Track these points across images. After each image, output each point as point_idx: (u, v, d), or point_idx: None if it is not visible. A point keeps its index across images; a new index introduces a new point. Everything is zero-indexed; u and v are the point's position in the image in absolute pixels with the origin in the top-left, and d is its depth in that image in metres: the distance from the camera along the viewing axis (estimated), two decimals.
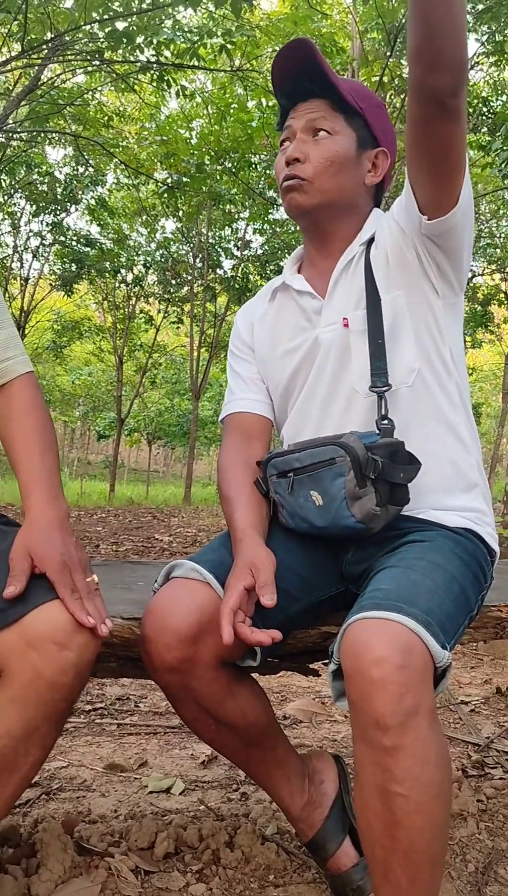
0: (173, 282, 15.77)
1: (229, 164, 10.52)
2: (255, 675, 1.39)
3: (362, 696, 1.00)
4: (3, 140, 8.68)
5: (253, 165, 10.47)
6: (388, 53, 9.62)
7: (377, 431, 1.30)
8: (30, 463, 1.24)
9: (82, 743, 2.21)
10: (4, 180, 11.31)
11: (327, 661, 1.52)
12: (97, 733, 2.28)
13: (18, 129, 8.35)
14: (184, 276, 15.59)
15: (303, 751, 2.21)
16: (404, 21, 8.91)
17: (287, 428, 1.49)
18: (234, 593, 1.16)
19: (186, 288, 15.96)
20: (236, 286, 14.75)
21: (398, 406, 1.34)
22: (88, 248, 13.57)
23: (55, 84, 8.17)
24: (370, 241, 1.41)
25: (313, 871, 1.52)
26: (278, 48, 10.34)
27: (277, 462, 1.35)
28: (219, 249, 15.00)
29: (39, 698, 1.05)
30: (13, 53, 8.01)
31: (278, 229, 13.87)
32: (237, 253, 15.14)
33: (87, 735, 2.26)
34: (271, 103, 9.69)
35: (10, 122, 7.72)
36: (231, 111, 9.72)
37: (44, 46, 6.66)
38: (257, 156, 10.40)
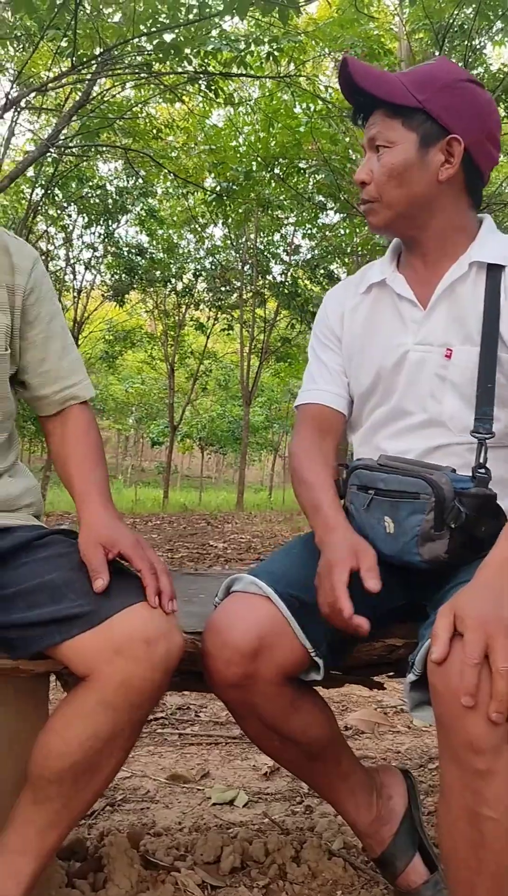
0: (223, 289, 15.86)
1: (278, 171, 10.52)
2: (317, 687, 1.36)
3: (454, 716, 0.97)
4: (56, 156, 8.85)
5: (302, 171, 10.44)
6: (436, 53, 9.52)
7: (472, 478, 1.24)
8: (83, 476, 1.30)
9: (144, 753, 2.21)
10: (58, 195, 11.53)
11: (391, 673, 1.49)
12: (159, 743, 2.29)
13: (70, 145, 8.49)
14: (233, 282, 15.66)
15: (367, 762, 2.18)
16: (451, 21, 8.82)
17: (361, 435, 1.46)
18: (344, 571, 1.14)
19: (235, 294, 16.03)
20: (286, 291, 14.74)
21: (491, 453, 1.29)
22: (140, 258, 13.74)
23: (105, 98, 8.30)
24: (492, 267, 1.32)
25: (381, 887, 1.49)
26: (324, 52, 10.32)
27: (362, 474, 1.31)
28: (268, 255, 15.02)
29: (127, 701, 1.07)
30: (63, 69, 8.17)
31: (327, 233, 13.82)
32: (286, 258, 15.14)
33: (148, 745, 2.27)
34: (318, 107, 9.67)
35: (62, 137, 7.86)
36: (279, 117, 9.71)
37: (93, 61, 6.76)
38: (306, 161, 10.37)
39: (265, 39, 7.20)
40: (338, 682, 1.45)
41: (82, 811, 1.14)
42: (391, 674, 1.48)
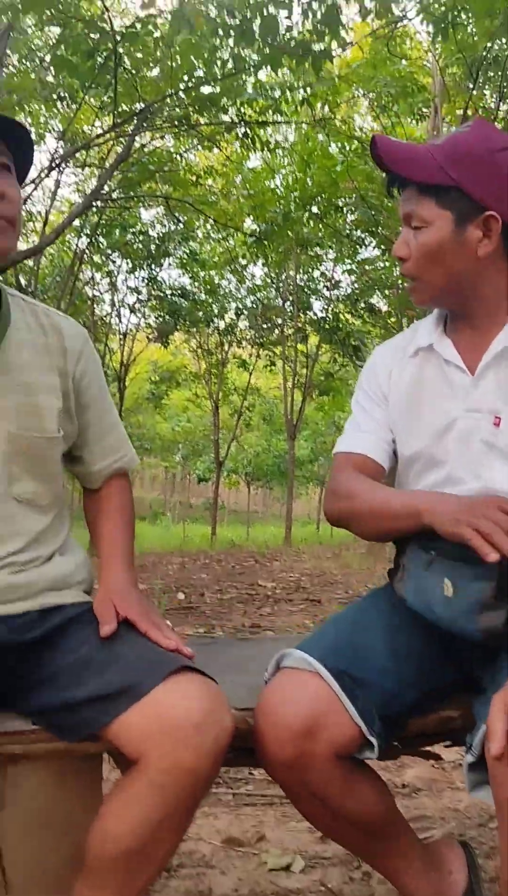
0: (264, 326, 16.01)
1: (315, 209, 10.65)
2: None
3: None
4: (100, 206, 9.11)
5: (339, 209, 10.56)
6: (470, 86, 9.57)
7: None
8: (110, 540, 1.42)
9: (199, 814, 2.19)
10: (102, 243, 11.83)
11: (448, 742, 1.47)
12: (213, 804, 2.28)
13: (113, 197, 8.74)
14: (275, 319, 15.80)
15: (425, 822, 2.14)
16: (485, 53, 8.87)
17: None
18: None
19: (277, 331, 16.16)
20: (327, 326, 14.82)
21: None
22: (183, 300, 13.98)
23: (145, 150, 8.54)
24: None
25: None
26: (358, 92, 10.42)
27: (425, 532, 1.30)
28: (308, 291, 15.13)
29: (177, 785, 1.06)
30: (105, 123, 8.46)
31: (367, 267, 13.89)
32: (327, 293, 15.24)
33: (203, 806, 2.25)
34: (353, 147, 9.80)
35: (105, 189, 8.09)
36: (315, 158, 9.86)
37: (133, 117, 6.98)
38: (343, 199, 10.48)
39: (299, 85, 7.36)
40: (392, 754, 1.43)
41: None
42: (448, 743, 1.46)
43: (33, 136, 1.32)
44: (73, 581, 1.35)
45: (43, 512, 1.33)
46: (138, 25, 6.01)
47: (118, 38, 5.90)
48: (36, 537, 1.31)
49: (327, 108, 8.80)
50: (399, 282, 12.29)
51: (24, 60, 8.36)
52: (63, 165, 9.37)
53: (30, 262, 10.19)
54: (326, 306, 15.16)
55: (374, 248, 12.36)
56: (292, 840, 2.04)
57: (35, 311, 1.36)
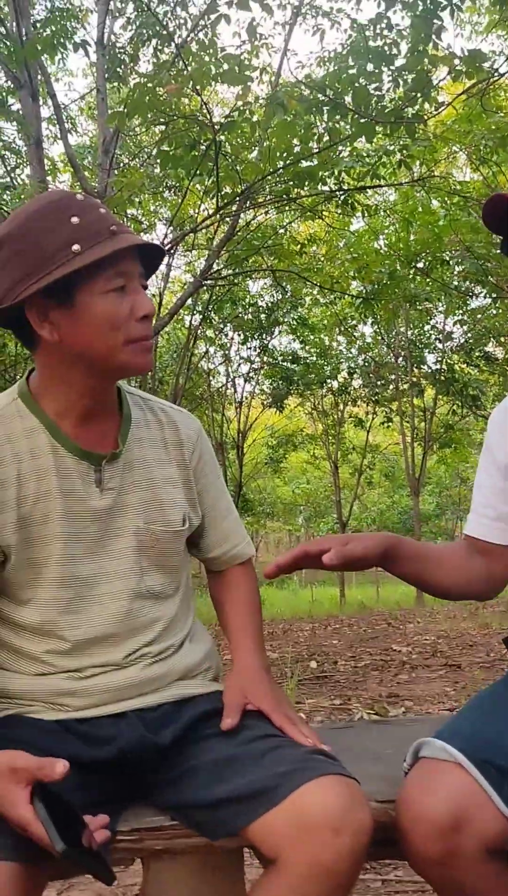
0: (379, 383, 15.97)
1: (421, 265, 10.64)
2: None
3: None
4: (211, 284, 9.49)
5: (446, 263, 10.51)
6: None
7: None
8: (239, 626, 1.42)
9: None
10: (214, 318, 12.28)
11: None
12: (362, 891, 2.18)
13: (222, 275, 9.10)
14: (388, 376, 15.74)
15: None
16: None
17: None
18: None
19: (391, 387, 16.08)
20: (443, 378, 14.62)
21: None
22: (295, 365, 14.21)
23: (249, 227, 8.88)
24: None
25: None
26: (455, 149, 10.40)
27: None
28: (419, 346, 15.04)
29: (318, 887, 1.04)
30: (209, 208, 8.89)
31: (479, 316, 13.69)
32: (440, 346, 15.08)
33: (352, 893, 2.17)
34: (454, 200, 9.78)
35: (214, 268, 8.44)
36: (416, 216, 9.90)
37: (236, 198, 7.28)
38: (448, 252, 10.43)
39: (395, 148, 7.46)
40: None
41: None
42: None
43: (144, 224, 1.39)
44: (200, 669, 1.36)
45: (170, 600, 1.36)
46: (236, 114, 6.31)
47: (217, 127, 6.21)
48: (167, 626, 1.33)
49: (424, 166, 8.87)
50: None
51: (132, 158, 8.95)
52: (173, 249, 9.85)
53: None
54: (439, 358, 14.98)
55: (484, 296, 12.18)
56: None
57: (152, 408, 1.42)
